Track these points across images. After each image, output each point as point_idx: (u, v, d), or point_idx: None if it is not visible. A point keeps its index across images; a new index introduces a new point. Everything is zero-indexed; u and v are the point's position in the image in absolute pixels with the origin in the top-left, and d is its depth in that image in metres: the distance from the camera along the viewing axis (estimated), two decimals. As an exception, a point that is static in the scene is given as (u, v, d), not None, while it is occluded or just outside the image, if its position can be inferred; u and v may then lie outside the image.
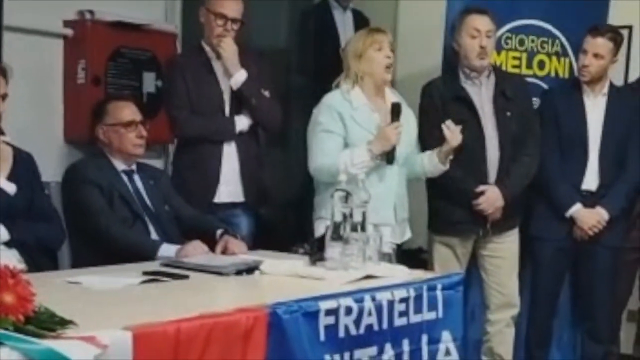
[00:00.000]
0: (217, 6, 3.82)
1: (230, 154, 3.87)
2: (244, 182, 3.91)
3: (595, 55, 4.04)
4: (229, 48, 3.81)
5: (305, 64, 5.51)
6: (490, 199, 3.85)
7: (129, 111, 3.50)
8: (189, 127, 3.84)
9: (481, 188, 3.84)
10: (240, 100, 3.86)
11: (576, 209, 4.07)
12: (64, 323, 1.92)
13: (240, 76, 3.83)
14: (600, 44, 4.05)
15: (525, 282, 4.17)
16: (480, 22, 3.86)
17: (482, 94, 3.91)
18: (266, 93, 3.91)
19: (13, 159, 3.08)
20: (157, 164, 4.39)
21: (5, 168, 3.04)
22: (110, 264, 2.96)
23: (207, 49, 3.89)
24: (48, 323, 1.89)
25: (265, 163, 4.08)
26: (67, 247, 3.41)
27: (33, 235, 3.05)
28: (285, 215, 5.50)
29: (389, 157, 3.53)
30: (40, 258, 3.07)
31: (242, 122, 3.87)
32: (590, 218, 4.06)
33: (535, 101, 4.21)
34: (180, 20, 4.71)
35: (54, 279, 2.64)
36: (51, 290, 2.34)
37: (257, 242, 3.92)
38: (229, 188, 3.89)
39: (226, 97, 3.88)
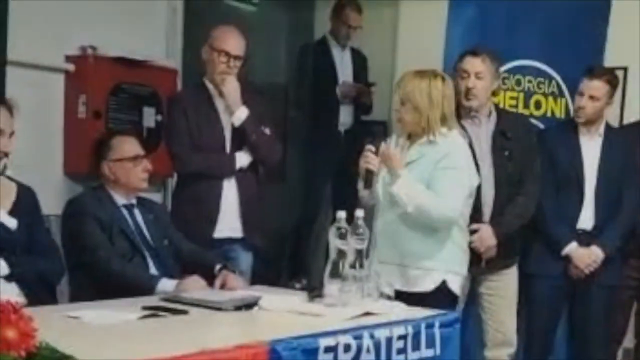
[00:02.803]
0: (220, 44, 3.87)
1: (230, 189, 3.90)
2: (243, 218, 3.93)
3: (591, 97, 4.09)
4: (231, 85, 3.86)
5: (303, 99, 5.56)
6: (483, 237, 3.86)
7: (133, 146, 3.54)
8: (189, 163, 3.88)
9: (474, 226, 3.84)
10: (241, 137, 3.90)
11: (572, 248, 4.10)
12: (65, 359, 1.92)
13: (241, 113, 3.87)
14: (596, 86, 4.10)
15: (521, 319, 4.18)
16: (469, 64, 3.89)
17: (480, 133, 3.93)
18: (266, 130, 3.95)
19: (15, 194, 3.10)
20: (157, 197, 4.41)
21: (8, 203, 3.06)
22: (109, 298, 2.97)
23: (210, 86, 3.94)
24: (49, 359, 1.89)
25: (264, 199, 4.10)
26: (66, 281, 3.41)
27: (33, 269, 3.06)
28: (283, 251, 5.52)
29: (365, 181, 3.49)
30: (40, 292, 3.08)
31: (242, 159, 3.91)
32: (585, 257, 4.08)
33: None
34: (180, 57, 4.77)
35: (53, 314, 2.64)
36: (51, 324, 2.34)
37: (255, 277, 3.94)
38: (228, 223, 3.91)
39: (227, 134, 3.92)
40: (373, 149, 3.43)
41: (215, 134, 3.90)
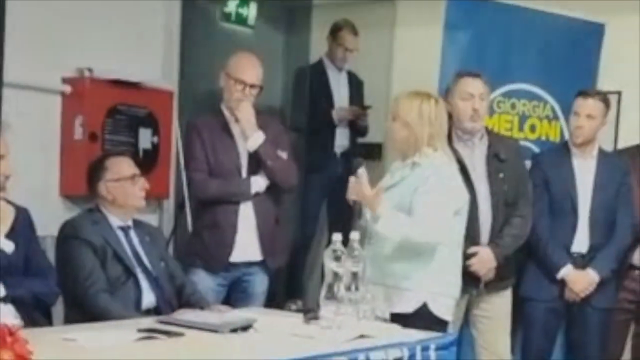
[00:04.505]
0: (237, 72, 3.93)
1: (246, 213, 3.93)
2: (261, 241, 3.96)
3: (588, 116, 4.13)
4: (246, 111, 3.90)
5: (299, 122, 5.58)
6: (483, 259, 3.88)
7: (129, 166, 3.56)
8: (205, 189, 3.93)
9: (474, 249, 3.86)
10: (257, 162, 3.94)
11: (567, 271, 4.11)
12: (61, 381, 1.93)
13: (257, 139, 3.91)
14: (592, 104, 4.14)
15: (516, 343, 4.18)
16: (473, 85, 3.92)
17: (474, 156, 3.95)
18: (284, 154, 3.99)
19: (13, 216, 3.11)
20: (153, 219, 4.41)
21: (5, 226, 3.08)
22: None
23: (226, 112, 3.99)
24: (46, 381, 1.90)
25: (282, 222, 4.13)
26: (61, 302, 3.40)
27: (28, 291, 3.06)
28: (279, 273, 5.50)
29: (355, 211, 3.48)
30: (35, 313, 3.08)
31: (259, 183, 3.94)
32: (580, 280, 4.09)
33: (527, 164, 4.26)
34: (177, 78, 4.78)
35: (49, 336, 2.64)
36: (47, 347, 2.34)
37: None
38: (246, 247, 3.94)
39: (243, 159, 3.96)
40: (355, 179, 3.40)
41: (231, 159, 3.94)
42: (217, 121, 3.99)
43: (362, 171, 3.36)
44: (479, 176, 3.92)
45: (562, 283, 4.12)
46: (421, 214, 3.33)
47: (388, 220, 3.32)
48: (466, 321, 4.05)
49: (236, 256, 3.93)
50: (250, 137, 3.91)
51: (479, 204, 3.88)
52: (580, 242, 4.15)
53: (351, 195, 3.40)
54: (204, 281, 3.90)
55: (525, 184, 4.06)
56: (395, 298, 3.40)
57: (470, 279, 3.88)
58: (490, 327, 4.03)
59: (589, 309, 4.13)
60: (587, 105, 4.14)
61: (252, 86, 3.94)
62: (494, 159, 3.96)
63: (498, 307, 4.04)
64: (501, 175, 3.95)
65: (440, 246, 3.41)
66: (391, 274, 3.41)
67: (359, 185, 3.35)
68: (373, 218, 3.35)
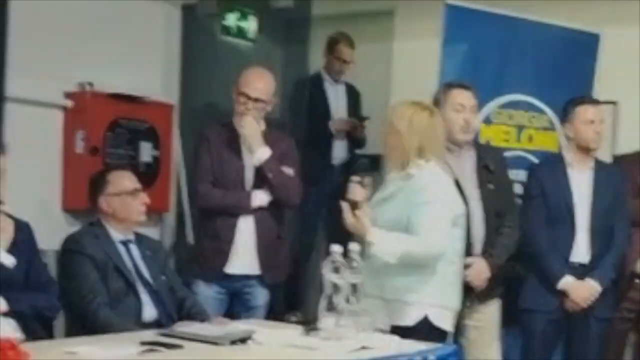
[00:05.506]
0: (242, 85, 3.95)
1: (246, 227, 3.95)
2: (260, 256, 3.97)
3: (601, 122, 4.19)
4: (249, 126, 3.91)
5: (297, 134, 5.60)
6: (478, 271, 3.86)
7: (130, 180, 3.58)
8: (208, 199, 3.96)
9: (468, 260, 3.82)
10: (262, 177, 3.95)
11: (567, 282, 4.10)
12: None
13: (262, 154, 3.92)
14: (600, 110, 4.21)
15: (513, 353, 4.18)
16: (465, 97, 3.92)
17: (464, 168, 3.93)
18: (290, 171, 4.00)
19: (13, 230, 3.13)
20: (154, 232, 4.43)
21: (5, 240, 3.10)
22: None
23: (237, 125, 4.00)
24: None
25: (284, 238, 4.14)
26: (62, 315, 3.43)
27: (30, 305, 3.08)
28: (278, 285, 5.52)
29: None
30: (36, 327, 3.10)
31: (261, 198, 3.96)
32: (582, 290, 4.08)
33: (522, 174, 4.28)
34: (177, 92, 4.81)
35: (50, 349, 2.65)
36: (49, 360, 2.37)
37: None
38: (243, 260, 3.96)
39: (249, 173, 3.97)
40: (358, 179, 3.38)
41: (236, 171, 3.96)
42: (228, 133, 4.01)
43: (345, 205, 3.33)
44: (470, 188, 3.89)
45: (562, 294, 4.11)
46: (421, 227, 3.29)
47: (382, 244, 3.28)
48: (458, 332, 4.05)
49: (232, 268, 3.95)
50: (255, 151, 3.92)
51: (471, 215, 3.82)
52: (579, 253, 4.14)
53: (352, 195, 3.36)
54: (203, 289, 3.95)
55: (511, 193, 4.08)
56: (396, 312, 3.37)
57: (464, 290, 3.88)
58: (481, 336, 4.01)
59: (591, 319, 4.11)
60: (598, 112, 4.18)
61: (256, 100, 3.94)
62: (483, 169, 3.95)
63: (489, 317, 4.02)
64: (491, 186, 3.93)
65: (440, 260, 3.39)
66: (391, 287, 3.37)
67: (346, 212, 3.31)
68: (367, 243, 3.31)
